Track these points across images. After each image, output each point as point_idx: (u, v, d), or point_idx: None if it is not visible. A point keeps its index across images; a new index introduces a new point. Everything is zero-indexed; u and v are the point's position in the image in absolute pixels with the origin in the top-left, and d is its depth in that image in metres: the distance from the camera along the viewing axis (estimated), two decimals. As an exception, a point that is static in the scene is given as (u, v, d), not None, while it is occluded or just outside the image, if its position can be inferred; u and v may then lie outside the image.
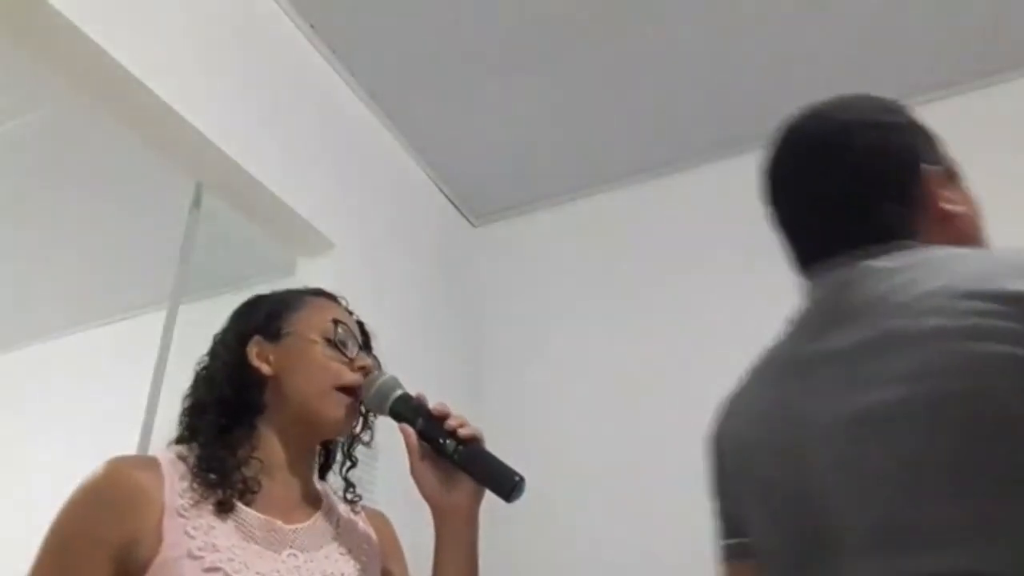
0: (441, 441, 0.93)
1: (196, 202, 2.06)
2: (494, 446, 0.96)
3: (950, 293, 0.71)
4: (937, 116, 2.61)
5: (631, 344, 2.52)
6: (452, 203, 2.87)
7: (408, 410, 0.95)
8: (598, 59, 2.29)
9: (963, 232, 0.90)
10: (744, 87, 2.40)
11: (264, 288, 1.11)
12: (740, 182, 2.59)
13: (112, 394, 2.66)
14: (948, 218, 0.87)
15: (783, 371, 0.89)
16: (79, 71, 1.55)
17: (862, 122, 0.88)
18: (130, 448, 1.75)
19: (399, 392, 0.97)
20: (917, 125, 0.93)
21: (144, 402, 1.81)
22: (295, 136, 2.04)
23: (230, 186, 1.87)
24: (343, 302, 1.07)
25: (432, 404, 0.96)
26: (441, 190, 2.80)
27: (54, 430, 3.00)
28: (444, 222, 2.82)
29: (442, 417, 0.94)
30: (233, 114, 1.82)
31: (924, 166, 0.87)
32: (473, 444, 0.93)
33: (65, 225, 2.82)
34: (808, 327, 0.86)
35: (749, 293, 2.42)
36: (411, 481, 0.96)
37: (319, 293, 1.07)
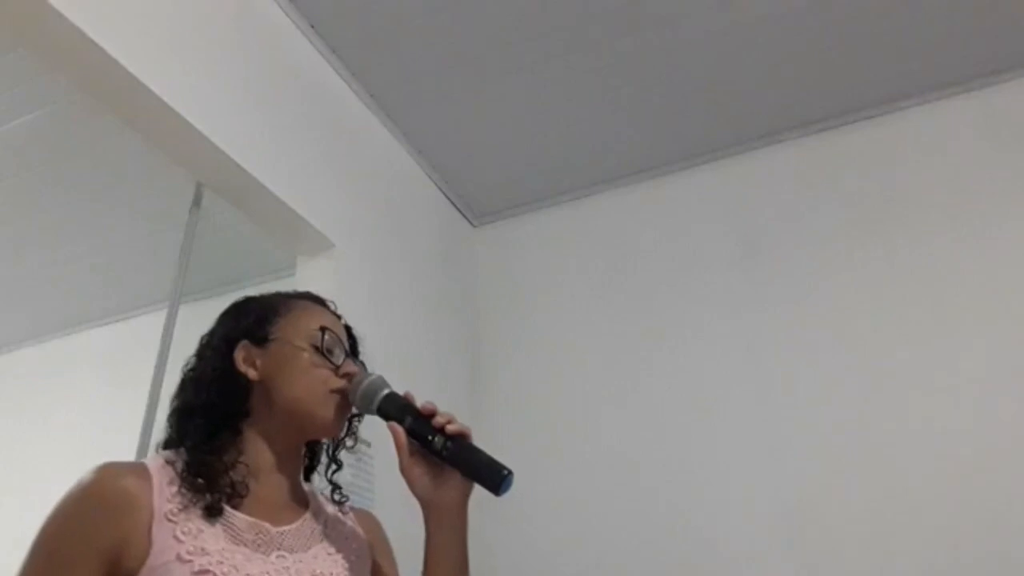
0: (429, 438, 0.93)
1: (196, 202, 2.06)
2: (493, 445, 0.96)
3: None
4: (937, 116, 2.63)
5: (630, 344, 2.52)
6: (452, 203, 2.87)
7: (396, 409, 0.96)
8: (598, 60, 2.29)
9: None
10: (744, 87, 2.40)
11: (263, 289, 1.10)
12: (740, 182, 2.61)
13: (112, 394, 2.66)
14: None
15: None
16: (79, 71, 1.55)
17: None
18: (130, 448, 1.75)
19: (386, 391, 0.97)
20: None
21: (144, 402, 1.81)
22: (295, 136, 2.04)
23: (230, 186, 1.86)
24: (331, 305, 1.08)
25: (420, 402, 0.97)
26: (441, 190, 2.80)
27: (54, 430, 3.00)
28: (444, 222, 2.82)
29: (430, 414, 0.95)
30: (233, 114, 1.82)
31: None
32: (461, 440, 0.94)
33: (65, 225, 2.82)
34: None
35: (748, 292, 2.43)
36: (402, 479, 0.96)
37: (307, 297, 1.07)
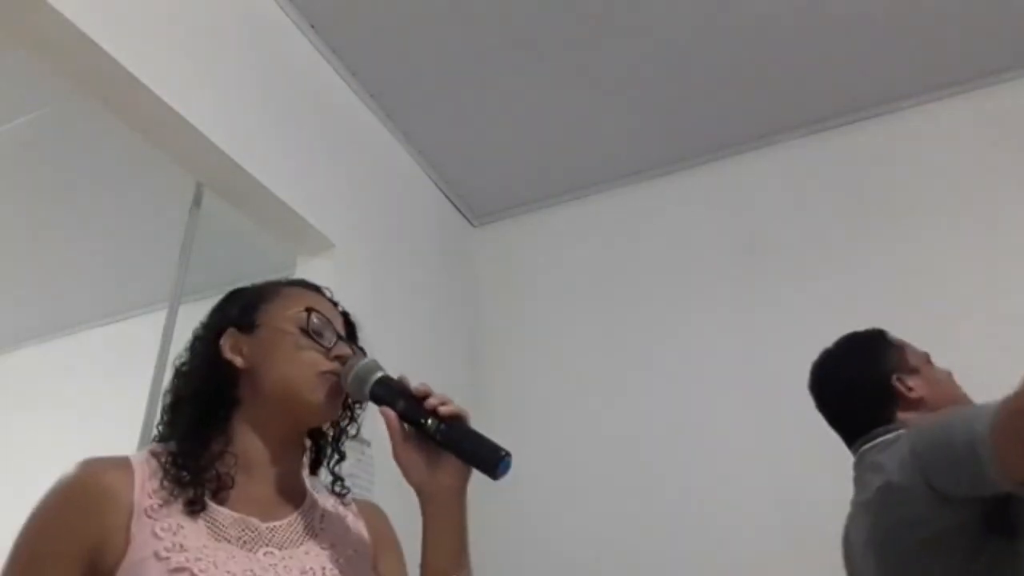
0: (423, 421, 0.88)
1: (196, 202, 2.06)
2: (468, 416, 0.91)
3: None
4: (937, 116, 2.63)
5: (630, 343, 2.52)
6: (452, 203, 2.87)
7: (388, 392, 0.91)
8: (598, 59, 2.29)
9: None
10: (744, 87, 2.40)
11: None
12: (740, 182, 2.61)
13: (112, 394, 2.65)
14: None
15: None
16: (79, 71, 1.55)
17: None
18: (130, 448, 1.75)
19: (378, 374, 0.93)
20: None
21: (144, 402, 1.81)
22: (295, 136, 2.04)
23: (230, 186, 1.87)
24: (327, 292, 1.05)
25: (414, 385, 0.93)
26: (441, 190, 2.80)
27: (54, 430, 3.00)
28: (444, 222, 2.82)
29: (423, 396, 0.90)
30: (233, 114, 1.82)
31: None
32: (456, 422, 0.89)
33: (66, 225, 2.82)
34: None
35: (747, 291, 2.43)
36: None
37: (299, 283, 1.05)
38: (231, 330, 0.96)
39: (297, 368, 0.92)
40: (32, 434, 3.07)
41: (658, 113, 2.50)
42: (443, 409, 0.89)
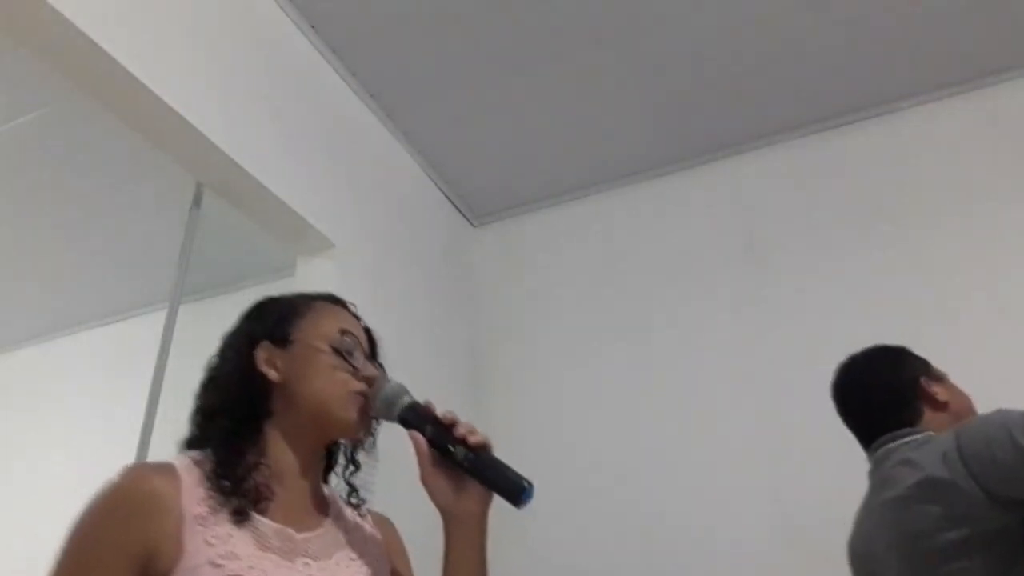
0: (451, 448, 0.93)
1: (196, 202, 2.06)
2: (492, 443, 0.96)
3: None
4: (937, 116, 2.63)
5: (630, 344, 2.52)
6: (452, 203, 2.87)
7: (416, 417, 0.96)
8: (597, 60, 2.29)
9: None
10: (744, 87, 2.40)
11: (263, 288, 1.11)
12: (740, 182, 2.61)
13: (112, 394, 2.66)
14: None
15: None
16: (79, 71, 1.55)
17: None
18: (130, 448, 1.75)
19: (407, 399, 0.97)
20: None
21: (144, 402, 1.81)
22: (295, 136, 2.04)
23: (230, 186, 1.86)
24: (352, 308, 1.07)
25: (440, 411, 0.96)
26: (441, 190, 2.80)
27: (54, 430, 3.00)
28: (444, 222, 2.82)
29: (451, 424, 0.94)
30: (233, 114, 1.82)
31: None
32: (482, 451, 0.94)
33: (65, 225, 2.82)
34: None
35: (748, 291, 2.43)
36: (411, 486, 0.96)
37: (327, 298, 1.07)
38: (265, 343, 0.98)
39: (331, 386, 0.96)
40: (32, 434, 3.07)
41: (658, 113, 2.50)
42: (471, 439, 0.93)
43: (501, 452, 0.96)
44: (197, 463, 0.90)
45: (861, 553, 1.38)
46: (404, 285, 2.42)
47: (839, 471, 2.11)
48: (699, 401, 2.34)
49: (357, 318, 1.06)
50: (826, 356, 2.26)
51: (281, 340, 0.98)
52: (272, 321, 1.01)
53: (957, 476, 1.11)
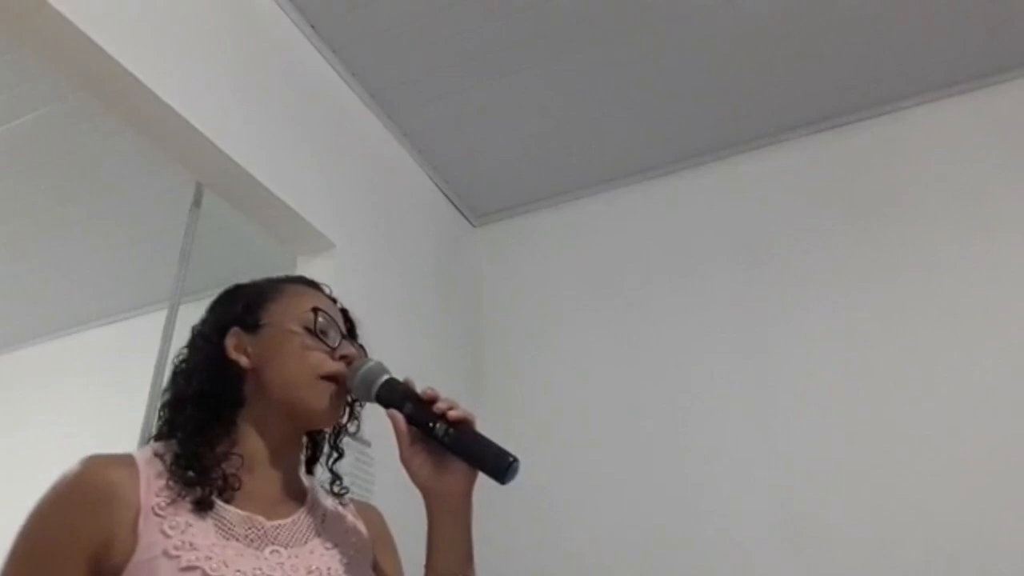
0: (431, 425, 0.89)
1: (196, 202, 2.06)
2: (475, 420, 0.91)
3: None
4: (937, 116, 2.63)
5: (630, 344, 2.52)
6: (452, 203, 2.87)
7: (395, 395, 0.92)
8: (597, 60, 2.29)
9: None
10: (744, 87, 2.40)
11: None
12: (740, 182, 2.61)
13: (112, 394, 2.66)
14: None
15: None
16: (79, 71, 1.55)
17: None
18: (130, 448, 1.75)
19: (385, 377, 0.93)
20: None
21: (144, 402, 1.81)
22: (295, 136, 2.04)
23: (230, 186, 1.86)
24: (326, 289, 1.04)
25: (420, 388, 0.93)
26: (441, 190, 2.80)
27: (54, 430, 3.00)
28: (444, 222, 2.82)
29: (431, 400, 0.90)
30: (233, 114, 1.82)
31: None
32: (464, 426, 0.89)
33: (65, 225, 2.82)
34: None
35: (748, 291, 2.43)
36: (399, 468, 0.93)
37: (299, 280, 1.04)
38: (235, 329, 0.95)
39: (302, 369, 0.92)
40: (32, 434, 3.07)
41: (658, 113, 2.50)
42: (451, 413, 0.89)
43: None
44: (159, 455, 0.87)
45: None
46: (404, 285, 2.43)
47: (840, 471, 2.11)
48: (699, 400, 2.34)
49: (333, 300, 1.03)
50: (828, 355, 2.28)
51: (252, 325, 0.95)
52: (242, 306, 0.97)
53: None
